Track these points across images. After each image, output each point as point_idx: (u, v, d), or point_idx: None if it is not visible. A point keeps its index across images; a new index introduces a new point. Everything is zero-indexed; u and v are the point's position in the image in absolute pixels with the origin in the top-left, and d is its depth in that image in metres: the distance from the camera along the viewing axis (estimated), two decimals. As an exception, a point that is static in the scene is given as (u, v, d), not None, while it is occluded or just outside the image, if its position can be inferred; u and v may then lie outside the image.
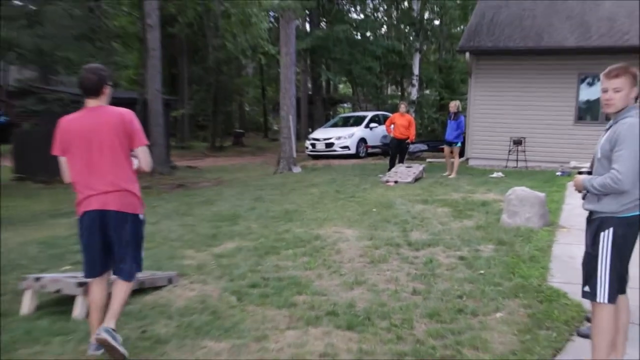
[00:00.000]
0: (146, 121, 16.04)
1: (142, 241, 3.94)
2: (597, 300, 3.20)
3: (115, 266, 3.88)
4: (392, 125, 13.78)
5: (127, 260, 3.83)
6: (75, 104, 15.32)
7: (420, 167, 12.93)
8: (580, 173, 3.34)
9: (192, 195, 11.68)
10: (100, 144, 3.71)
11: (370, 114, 22.29)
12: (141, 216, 3.89)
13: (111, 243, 3.81)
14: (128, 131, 3.76)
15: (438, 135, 30.12)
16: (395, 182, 11.91)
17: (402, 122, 13.55)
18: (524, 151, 15.02)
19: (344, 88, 49.38)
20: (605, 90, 3.22)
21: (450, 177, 12.78)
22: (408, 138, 13.60)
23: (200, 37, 29.13)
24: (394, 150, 13.97)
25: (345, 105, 45.25)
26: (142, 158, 3.82)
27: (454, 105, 12.86)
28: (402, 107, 13.78)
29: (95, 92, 3.75)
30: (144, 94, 17.41)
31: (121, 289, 3.84)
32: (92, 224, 3.75)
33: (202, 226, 7.98)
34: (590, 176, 3.27)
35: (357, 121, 22.04)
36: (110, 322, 3.72)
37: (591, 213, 3.31)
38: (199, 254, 6.40)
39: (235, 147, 29.56)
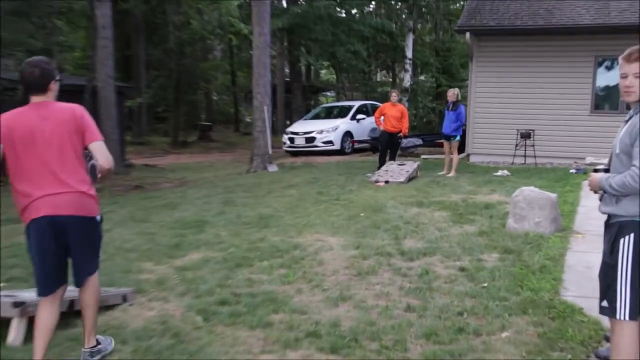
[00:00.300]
0: (96, 112, 15.86)
1: (100, 242, 4.03)
2: (617, 317, 3.20)
3: (74, 276, 3.94)
4: (382, 117, 13.84)
5: (86, 267, 3.92)
6: (9, 91, 15.16)
7: (415, 165, 12.99)
8: (596, 171, 3.35)
9: (151, 199, 11.61)
10: (49, 142, 3.74)
11: (357, 104, 22.36)
12: (98, 217, 3.94)
13: (67, 252, 3.83)
14: (79, 127, 3.80)
15: (435, 127, 30.32)
16: (386, 182, 11.95)
17: (394, 113, 13.62)
18: (533, 145, 15.17)
19: (326, 74, 49.47)
20: (624, 76, 3.23)
21: (448, 175, 12.86)
22: (400, 131, 13.68)
23: (159, 14, 28.98)
24: (384, 146, 14.03)
25: (328, 94, 45.31)
26: (100, 155, 3.84)
27: (452, 93, 12.96)
28: (394, 95, 13.86)
29: (39, 88, 3.79)
30: (92, 80, 17.24)
31: (91, 293, 3.94)
32: (42, 233, 3.74)
33: (162, 234, 7.93)
34: (607, 174, 3.27)
35: (342, 112, 22.06)
36: (91, 340, 3.85)
37: (609, 217, 3.32)
38: (158, 267, 6.36)
39: (201, 143, 29.48)
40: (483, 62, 15.83)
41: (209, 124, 32.73)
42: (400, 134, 13.75)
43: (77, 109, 3.85)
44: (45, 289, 3.83)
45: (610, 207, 3.28)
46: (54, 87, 3.85)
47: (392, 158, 13.99)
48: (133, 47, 29.71)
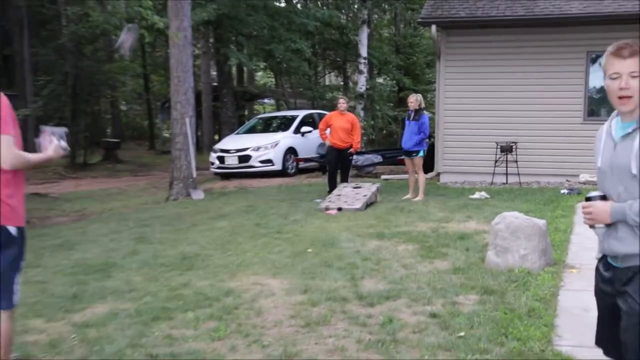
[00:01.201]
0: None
1: (19, 263, 4.21)
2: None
3: None
4: (329, 129, 13.94)
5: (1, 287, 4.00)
6: None
7: (373, 188, 13.12)
8: (589, 199, 3.19)
9: (41, 237, 11.34)
10: None
11: (301, 114, 22.55)
12: (12, 229, 4.05)
13: None
14: None
15: (397, 141, 30.71)
16: (339, 209, 12.02)
17: (342, 124, 13.76)
18: (516, 161, 15.50)
19: (263, 77, 49.69)
20: (616, 77, 3.11)
21: (414, 200, 13.02)
22: (351, 146, 13.80)
23: (48, 3, 28.56)
24: (333, 165, 14.16)
25: (266, 101, 45.48)
26: None
27: (413, 100, 13.20)
28: (342, 103, 14.03)
29: None
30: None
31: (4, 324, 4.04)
32: None
33: (56, 282, 7.75)
34: (630, 202, 3.04)
35: (284, 124, 22.16)
36: None
37: (617, 258, 3.17)
38: (52, 325, 6.20)
39: (106, 164, 29.07)
40: (453, 61, 16.14)
41: (116, 140, 32.33)
42: (351, 150, 13.90)
43: None
44: None
45: (630, 246, 3.10)
46: None
47: (344, 180, 14.10)
48: (14, 45, 29.10)
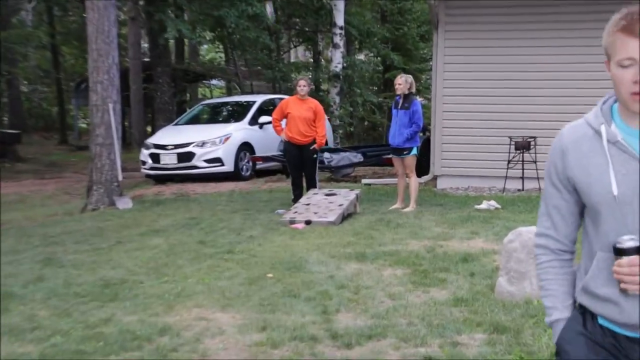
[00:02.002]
0: None
1: None
2: None
3: None
4: (285, 120, 13.95)
5: None
6: None
7: (352, 195, 13.15)
8: (621, 252, 2.77)
9: None
10: None
11: (259, 100, 22.53)
12: None
13: None
14: None
15: (383, 135, 30.81)
16: (307, 222, 12.04)
17: (303, 113, 13.79)
18: (535, 162, 15.55)
19: (209, 51, 49.52)
20: (628, 64, 2.74)
21: (404, 210, 13.08)
22: (314, 141, 13.85)
23: None
24: (295, 166, 14.18)
25: (214, 83, 45.32)
26: None
27: (402, 82, 13.20)
28: (302, 85, 14.01)
29: None
30: None
31: None
32: None
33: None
34: None
35: (237, 113, 22.18)
36: None
37: None
38: None
39: (3, 162, 28.76)
40: (454, 32, 16.22)
41: (15, 132, 32.00)
42: (315, 146, 13.92)
43: None
44: None
45: None
46: None
47: (311, 185, 14.08)
48: None
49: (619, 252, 2.74)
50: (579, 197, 2.93)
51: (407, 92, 13.12)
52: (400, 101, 13.11)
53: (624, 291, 2.78)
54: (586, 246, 2.97)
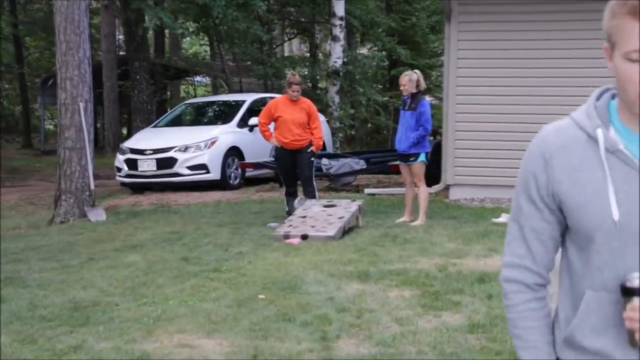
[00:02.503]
0: None
1: None
2: None
3: None
4: (274, 123, 13.92)
5: None
6: None
7: (353, 207, 13.11)
8: (632, 292, 2.45)
9: None
10: None
11: (249, 100, 22.58)
12: None
13: None
14: None
15: (388, 139, 30.80)
16: (304, 237, 12.01)
17: (295, 116, 13.76)
18: (561, 169, 15.53)
19: (193, 44, 49.57)
20: (635, 57, 2.39)
21: (413, 224, 13.06)
22: (310, 144, 13.80)
23: None
24: (288, 174, 14.19)
25: (199, 80, 45.34)
26: None
27: (406, 81, 13.09)
28: (296, 90, 13.92)
29: None
30: None
31: None
32: None
33: None
34: None
35: (224, 114, 22.25)
36: None
37: None
38: None
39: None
40: (470, 23, 16.22)
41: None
42: (311, 149, 13.87)
43: None
44: None
45: None
46: None
47: (309, 195, 14.01)
48: None
49: (630, 293, 2.37)
50: (563, 218, 2.57)
51: (415, 90, 13.06)
52: (408, 101, 13.07)
53: (634, 342, 2.41)
54: (567, 282, 2.63)
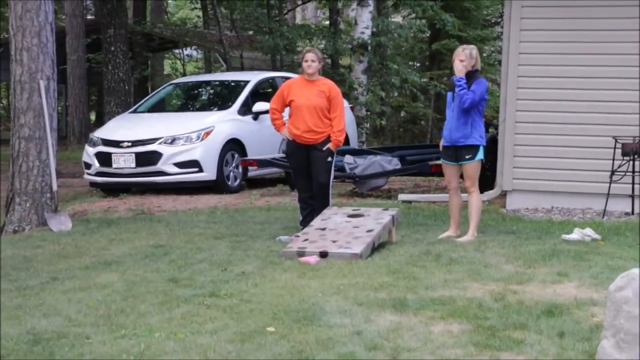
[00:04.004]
0: None
1: None
2: None
3: None
4: (287, 110, 13.93)
5: None
6: None
7: (385, 217, 13.09)
8: None
9: None
10: None
11: (254, 80, 22.66)
12: None
13: None
14: None
15: (429, 133, 30.79)
16: (323, 255, 12.01)
17: (311, 100, 13.79)
18: (654, 174, 15.52)
19: (180, 6, 49.66)
20: None
21: (461, 240, 13.05)
22: (328, 139, 13.84)
23: None
24: (302, 174, 14.23)
25: (189, 53, 45.37)
26: None
27: (465, 57, 13.01)
28: (309, 59, 13.93)
29: None
30: None
31: None
32: None
33: None
34: None
35: (221, 97, 22.51)
36: None
37: None
38: None
39: None
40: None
41: None
42: (329, 146, 13.88)
43: None
44: None
45: None
46: None
47: (323, 202, 13.96)
48: None
49: None
50: None
51: (472, 69, 13.02)
52: (463, 82, 12.93)
53: None
54: None
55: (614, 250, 12.21)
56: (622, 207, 15.62)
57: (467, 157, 13.09)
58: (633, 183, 15.45)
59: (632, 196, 15.47)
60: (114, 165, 19.93)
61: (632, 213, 15.50)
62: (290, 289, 10.27)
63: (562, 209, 16.00)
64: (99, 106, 32.07)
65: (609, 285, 7.69)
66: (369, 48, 28.30)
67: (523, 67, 16.24)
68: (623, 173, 15.49)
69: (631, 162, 15.41)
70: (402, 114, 34.64)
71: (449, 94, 13.27)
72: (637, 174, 15.45)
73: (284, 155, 19.23)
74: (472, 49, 13.22)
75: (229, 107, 21.29)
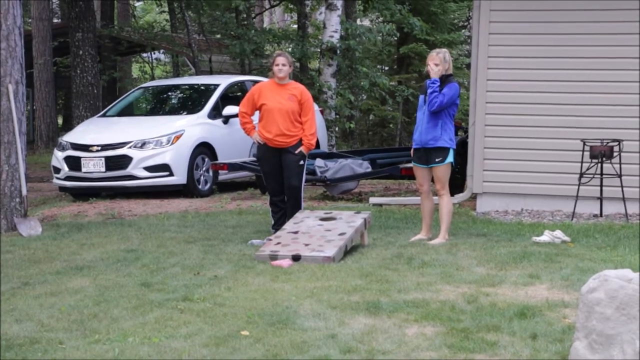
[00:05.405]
0: None
1: None
2: None
3: None
4: (257, 114, 13.92)
5: None
6: None
7: (357, 221, 13.11)
8: None
9: None
10: None
11: (223, 83, 22.68)
12: None
13: None
14: None
15: (398, 136, 30.83)
16: (296, 258, 12.03)
17: (282, 104, 13.81)
18: (619, 176, 15.62)
19: (148, 10, 49.50)
20: None
21: (433, 243, 13.11)
22: (300, 143, 13.88)
23: None
24: (273, 178, 14.22)
25: (157, 56, 45.20)
26: None
27: (439, 60, 13.06)
28: (280, 64, 13.91)
29: None
30: None
31: None
32: None
33: None
34: None
35: (191, 101, 22.43)
36: None
37: None
38: None
39: None
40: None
41: None
42: (300, 149, 13.91)
43: None
44: None
45: None
46: None
47: (295, 206, 14.04)
48: None
49: None
50: None
51: (446, 73, 13.08)
52: (436, 85, 12.94)
53: None
54: None
55: (583, 252, 12.25)
56: (591, 209, 15.68)
57: (437, 160, 13.11)
58: (602, 185, 15.50)
59: (601, 198, 15.52)
60: (83, 170, 19.86)
61: (601, 215, 15.57)
62: (264, 292, 10.29)
63: (532, 212, 16.05)
64: (66, 110, 31.89)
65: (580, 287, 7.74)
66: (338, 52, 28.27)
67: (492, 71, 16.28)
68: (591, 175, 15.54)
69: (599, 165, 15.47)
70: (371, 117, 34.58)
71: (421, 97, 13.26)
72: (605, 176, 15.51)
73: (254, 158, 19.25)
74: (445, 53, 13.28)
75: (199, 110, 21.24)
